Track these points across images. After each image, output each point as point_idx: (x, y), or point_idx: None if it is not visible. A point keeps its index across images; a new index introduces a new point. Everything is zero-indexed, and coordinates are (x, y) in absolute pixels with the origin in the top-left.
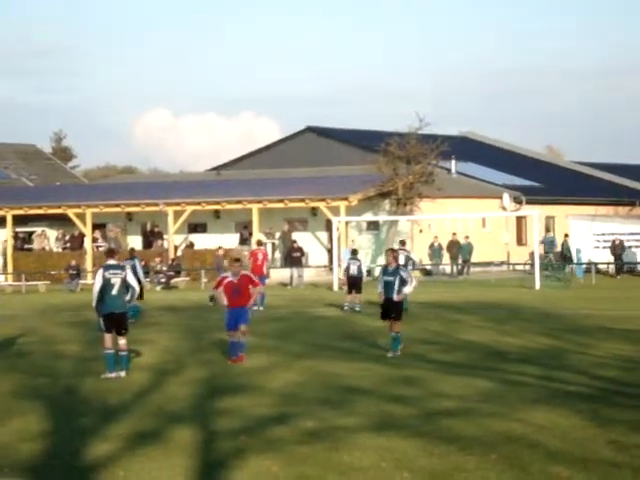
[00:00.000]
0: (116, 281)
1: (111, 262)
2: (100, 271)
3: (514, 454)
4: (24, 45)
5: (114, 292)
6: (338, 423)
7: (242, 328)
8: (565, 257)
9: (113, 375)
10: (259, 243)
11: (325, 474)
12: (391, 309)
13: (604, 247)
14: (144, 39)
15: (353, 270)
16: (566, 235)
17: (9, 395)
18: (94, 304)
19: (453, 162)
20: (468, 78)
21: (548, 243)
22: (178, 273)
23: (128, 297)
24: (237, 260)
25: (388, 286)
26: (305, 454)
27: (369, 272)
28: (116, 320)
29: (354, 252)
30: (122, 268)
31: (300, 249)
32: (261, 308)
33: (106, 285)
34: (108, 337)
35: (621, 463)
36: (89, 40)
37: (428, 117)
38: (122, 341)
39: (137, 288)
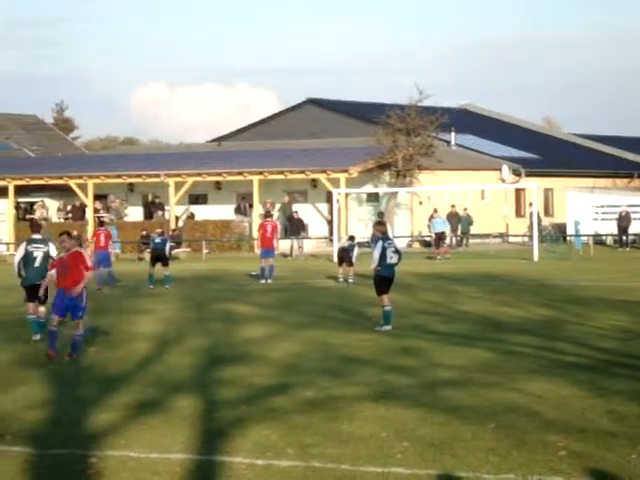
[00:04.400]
0: (38, 254)
1: (35, 236)
2: (23, 244)
3: (512, 424)
4: (24, 15)
5: (36, 264)
6: (338, 393)
7: (77, 323)
8: None
9: (38, 337)
10: (267, 214)
11: (325, 443)
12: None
13: (602, 219)
14: (144, 10)
15: (342, 242)
16: None
17: (13, 364)
18: (16, 273)
19: (452, 134)
20: (468, 50)
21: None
22: (179, 244)
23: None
24: (64, 234)
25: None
26: (305, 423)
27: (368, 244)
28: (38, 291)
29: (351, 238)
30: (45, 242)
31: (300, 220)
32: (269, 281)
33: (28, 258)
34: (31, 305)
35: (618, 433)
36: (87, 10)
37: (428, 89)
38: (42, 309)
39: None
